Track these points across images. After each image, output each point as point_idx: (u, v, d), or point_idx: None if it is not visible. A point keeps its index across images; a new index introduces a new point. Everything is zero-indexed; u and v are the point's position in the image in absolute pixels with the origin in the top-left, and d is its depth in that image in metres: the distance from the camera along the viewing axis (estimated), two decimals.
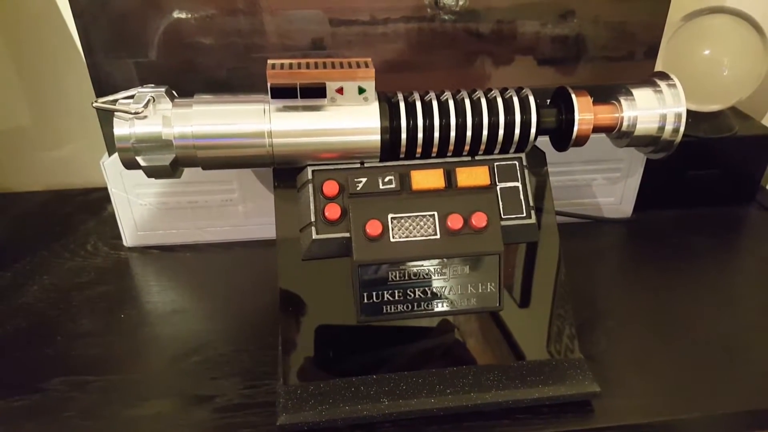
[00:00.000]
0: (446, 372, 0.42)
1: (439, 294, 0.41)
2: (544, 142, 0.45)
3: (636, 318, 0.51)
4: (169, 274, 0.56)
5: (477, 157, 0.44)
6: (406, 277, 0.41)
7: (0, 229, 0.62)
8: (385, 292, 0.41)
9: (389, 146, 0.42)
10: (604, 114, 0.45)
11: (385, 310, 0.41)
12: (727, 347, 0.47)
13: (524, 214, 0.43)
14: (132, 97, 0.41)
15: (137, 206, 0.57)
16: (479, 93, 0.43)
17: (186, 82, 0.50)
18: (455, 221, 0.41)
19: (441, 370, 0.42)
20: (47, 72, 0.62)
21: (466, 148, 0.43)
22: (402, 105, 0.42)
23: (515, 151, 0.44)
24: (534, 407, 0.42)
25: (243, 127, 0.40)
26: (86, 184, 0.68)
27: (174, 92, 0.43)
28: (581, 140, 0.44)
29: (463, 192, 0.43)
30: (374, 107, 0.41)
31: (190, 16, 0.49)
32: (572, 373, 0.42)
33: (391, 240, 0.41)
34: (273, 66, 0.40)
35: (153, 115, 0.40)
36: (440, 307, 0.42)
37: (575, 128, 0.43)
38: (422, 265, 0.41)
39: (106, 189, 0.56)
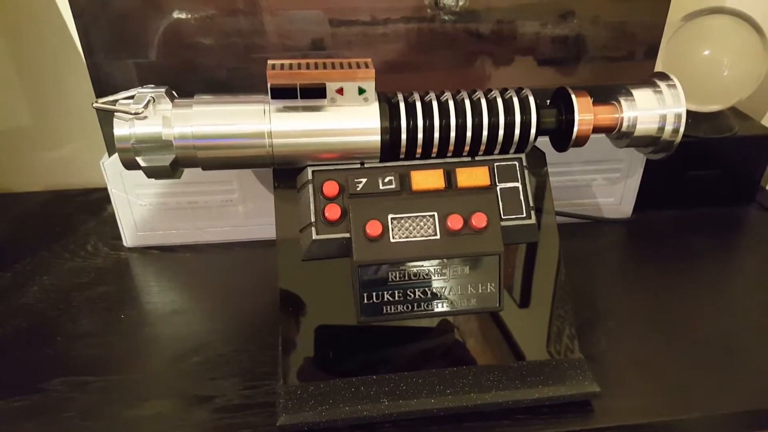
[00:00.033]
0: (446, 372, 0.42)
1: (439, 294, 0.41)
2: (544, 143, 0.45)
3: (636, 318, 0.51)
4: (169, 275, 0.56)
5: (477, 158, 0.44)
6: (406, 278, 0.41)
7: (0, 229, 0.62)
8: (385, 293, 0.41)
9: (389, 147, 0.42)
10: (604, 114, 0.45)
11: (385, 311, 0.41)
12: (727, 347, 0.48)
13: (524, 215, 0.43)
14: (132, 97, 0.41)
15: (137, 207, 0.57)
16: (479, 93, 0.43)
17: (186, 82, 0.50)
18: (455, 222, 0.41)
19: (441, 370, 0.42)
20: (47, 72, 0.62)
21: (466, 148, 0.43)
22: (402, 105, 0.42)
23: (515, 152, 0.44)
24: (534, 407, 0.42)
25: (243, 128, 0.40)
26: (86, 184, 0.68)
27: (174, 93, 0.43)
28: (581, 141, 0.44)
29: (463, 192, 0.43)
30: (374, 108, 0.41)
31: (190, 16, 0.49)
32: (572, 373, 0.42)
33: (391, 240, 0.41)
34: (273, 66, 0.40)
35: (153, 116, 0.40)
36: (440, 307, 0.42)
37: (575, 129, 0.43)
38: (422, 266, 0.41)
39: (106, 189, 0.56)
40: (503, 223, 0.42)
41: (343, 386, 0.41)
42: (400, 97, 0.42)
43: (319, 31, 0.50)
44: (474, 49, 0.53)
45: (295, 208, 0.43)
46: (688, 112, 0.45)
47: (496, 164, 0.43)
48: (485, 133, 0.42)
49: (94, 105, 0.41)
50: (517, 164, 0.44)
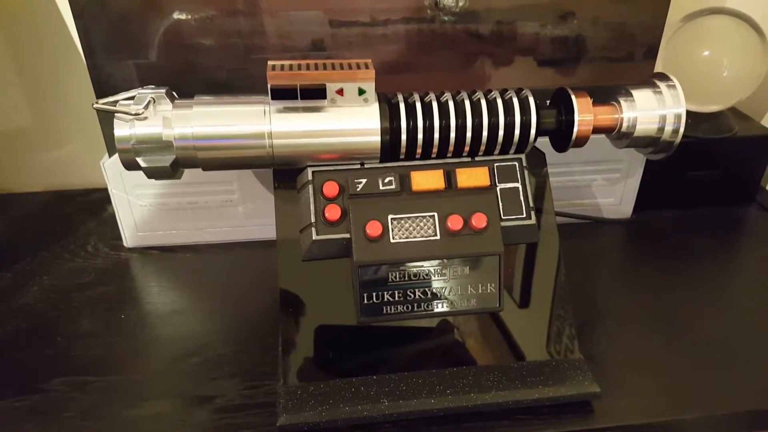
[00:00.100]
0: (446, 372, 0.42)
1: (439, 295, 0.41)
2: (543, 143, 0.45)
3: (636, 318, 0.51)
4: (170, 275, 0.56)
5: (477, 158, 0.44)
6: (406, 278, 0.41)
7: (0, 229, 0.62)
8: (385, 293, 0.41)
9: (389, 147, 0.42)
10: (604, 115, 0.45)
11: (385, 311, 0.41)
12: (727, 347, 0.48)
13: (524, 215, 0.43)
14: (132, 98, 0.41)
15: (137, 207, 0.57)
16: (479, 94, 0.43)
17: (186, 83, 0.50)
18: (455, 222, 0.41)
19: (441, 370, 0.42)
20: (47, 72, 0.62)
21: (466, 149, 0.43)
22: (402, 106, 0.42)
23: (515, 152, 0.44)
24: (534, 408, 0.42)
25: (243, 128, 0.41)
26: (86, 184, 0.68)
27: (174, 93, 0.43)
28: (581, 141, 0.44)
29: (463, 193, 0.43)
30: (374, 108, 0.41)
31: (190, 17, 0.49)
32: (572, 373, 0.42)
33: (391, 241, 0.41)
34: (273, 67, 0.40)
35: (153, 116, 0.40)
36: (440, 307, 0.42)
37: (575, 129, 0.43)
38: (422, 266, 0.41)
39: (106, 190, 0.56)
40: (503, 224, 0.42)
41: (343, 386, 0.41)
42: (400, 97, 0.42)
43: (319, 32, 0.50)
44: (474, 50, 0.53)
45: (295, 208, 0.43)
46: (688, 113, 0.45)
47: (496, 165, 0.43)
48: (485, 133, 0.42)
49: (95, 106, 0.41)
50: (517, 165, 0.44)
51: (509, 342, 0.43)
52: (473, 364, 0.43)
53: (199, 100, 0.41)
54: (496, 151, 0.43)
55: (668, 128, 0.44)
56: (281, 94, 0.40)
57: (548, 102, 0.46)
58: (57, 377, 0.44)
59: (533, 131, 0.43)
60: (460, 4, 0.50)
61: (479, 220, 0.41)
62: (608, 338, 0.48)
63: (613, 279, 0.56)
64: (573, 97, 0.43)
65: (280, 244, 0.43)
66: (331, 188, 0.42)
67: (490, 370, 0.42)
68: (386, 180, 0.42)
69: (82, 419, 0.42)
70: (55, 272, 0.55)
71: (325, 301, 0.42)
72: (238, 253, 0.58)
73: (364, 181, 0.42)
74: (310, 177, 0.42)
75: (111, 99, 0.41)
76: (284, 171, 0.43)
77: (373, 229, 0.40)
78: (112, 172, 0.54)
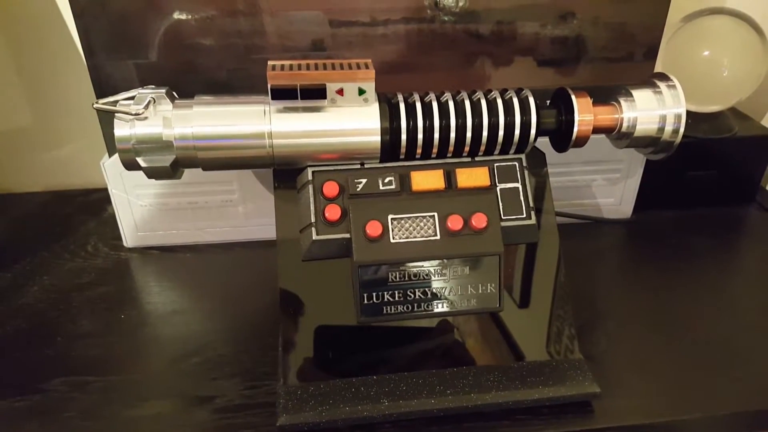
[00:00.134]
0: (446, 373, 0.42)
1: (439, 295, 0.41)
2: (543, 143, 0.45)
3: (636, 318, 0.51)
4: (170, 275, 0.56)
5: (477, 158, 0.44)
6: (406, 278, 0.41)
7: (0, 229, 0.62)
8: (385, 293, 0.41)
9: (389, 147, 0.42)
10: (604, 115, 0.45)
11: (385, 311, 0.41)
12: (727, 347, 0.48)
13: (524, 215, 0.43)
14: (132, 98, 0.41)
15: (137, 207, 0.57)
16: (479, 94, 0.43)
17: (186, 83, 0.50)
18: (455, 222, 0.41)
19: (441, 370, 0.42)
20: (47, 72, 0.62)
21: (466, 149, 0.43)
22: (402, 106, 0.42)
23: (515, 152, 0.44)
24: (534, 408, 0.42)
25: (243, 128, 0.41)
26: (86, 184, 0.68)
27: (174, 93, 0.43)
28: (581, 141, 0.44)
29: (463, 193, 0.43)
30: (374, 108, 0.41)
31: (190, 17, 0.49)
32: (572, 373, 0.42)
33: (391, 241, 0.41)
34: (273, 67, 0.40)
35: (153, 116, 0.40)
36: (440, 307, 0.42)
37: (575, 129, 0.43)
38: (422, 266, 0.41)
39: (106, 190, 0.56)
40: (503, 224, 0.42)
41: (343, 386, 0.41)
42: (400, 97, 0.42)
43: (319, 32, 0.50)
44: (474, 50, 0.53)
45: (295, 208, 0.43)
46: (688, 113, 0.45)
47: (496, 165, 0.43)
48: (485, 133, 0.42)
49: (95, 106, 0.41)
50: (517, 165, 0.44)
51: (509, 342, 0.43)
52: (473, 365, 0.43)
53: (199, 100, 0.41)
54: (496, 151, 0.43)
55: (668, 128, 0.44)
56: (281, 94, 0.40)
57: (548, 102, 0.46)
58: (57, 377, 0.44)
59: (533, 131, 0.43)
60: (460, 4, 0.50)
61: (479, 220, 0.41)
62: (608, 338, 0.48)
63: (613, 279, 0.56)
64: (573, 97, 0.43)
65: (280, 244, 0.43)
66: (331, 188, 0.42)
67: (490, 370, 0.43)
68: (386, 180, 0.42)
69: (82, 419, 0.42)
70: (55, 272, 0.55)
71: (325, 301, 0.42)
72: (238, 253, 0.58)
73: (364, 181, 0.42)
74: (310, 177, 0.42)
75: (111, 99, 0.41)
76: (284, 171, 0.43)
77: (373, 229, 0.40)
78: (112, 172, 0.54)
